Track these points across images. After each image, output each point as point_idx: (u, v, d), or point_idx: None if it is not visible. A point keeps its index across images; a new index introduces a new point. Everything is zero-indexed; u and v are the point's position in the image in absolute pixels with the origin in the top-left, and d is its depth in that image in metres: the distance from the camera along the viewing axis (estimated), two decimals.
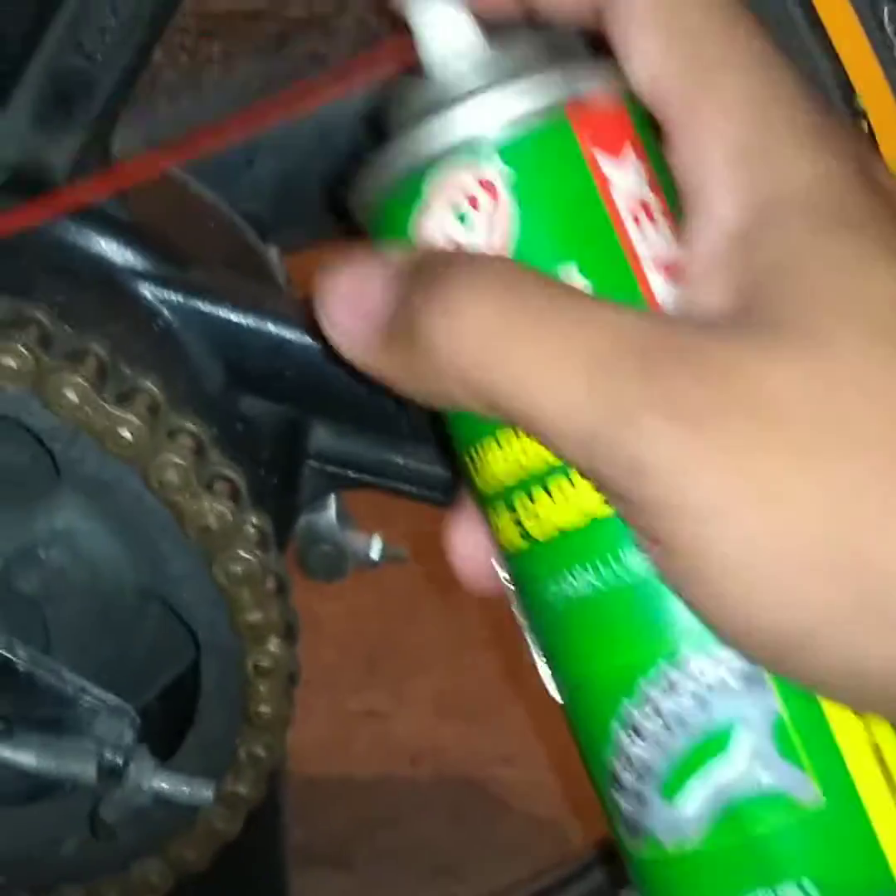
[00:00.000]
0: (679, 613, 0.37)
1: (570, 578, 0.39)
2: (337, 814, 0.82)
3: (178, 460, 0.61)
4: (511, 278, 0.38)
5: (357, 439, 0.72)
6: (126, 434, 0.61)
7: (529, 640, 0.42)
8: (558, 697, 0.42)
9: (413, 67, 0.44)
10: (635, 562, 0.38)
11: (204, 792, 0.64)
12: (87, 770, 0.63)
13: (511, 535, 0.40)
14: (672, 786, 0.38)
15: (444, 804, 1.30)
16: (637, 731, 0.38)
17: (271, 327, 0.69)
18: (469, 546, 0.44)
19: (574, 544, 0.38)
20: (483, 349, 0.37)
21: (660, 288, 0.39)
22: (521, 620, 0.42)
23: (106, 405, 0.61)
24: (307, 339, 0.69)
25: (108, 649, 0.67)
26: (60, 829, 0.69)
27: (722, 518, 0.34)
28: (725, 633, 0.36)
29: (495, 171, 0.40)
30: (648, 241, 0.39)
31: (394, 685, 1.44)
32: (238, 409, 0.70)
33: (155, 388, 0.62)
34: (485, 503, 0.41)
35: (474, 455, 0.41)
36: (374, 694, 1.42)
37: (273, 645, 0.64)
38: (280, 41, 0.81)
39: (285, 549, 0.77)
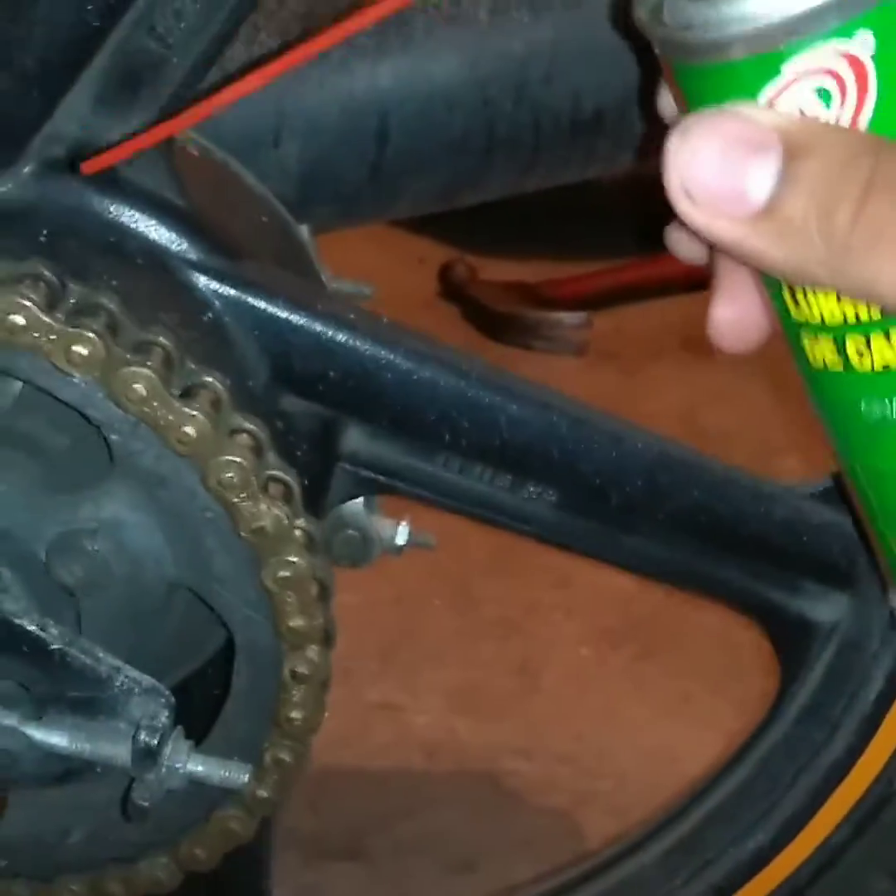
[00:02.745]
0: None
1: (892, 403, 0.46)
2: (352, 806, 0.83)
3: (238, 460, 0.62)
4: None
5: (392, 444, 0.72)
6: (190, 430, 0.61)
7: (823, 420, 0.50)
8: (847, 471, 0.51)
9: None
10: None
11: (240, 775, 0.64)
12: (121, 752, 0.63)
13: (828, 359, 0.46)
14: None
15: (460, 797, 1.31)
16: None
17: (320, 327, 0.69)
18: (731, 323, 0.50)
19: None
20: None
21: None
22: (815, 405, 0.50)
23: (172, 400, 0.61)
24: (355, 342, 0.69)
25: (133, 638, 0.68)
26: (81, 814, 0.69)
27: None
28: None
29: (862, 43, 0.39)
30: None
31: (410, 677, 1.42)
32: (279, 406, 0.70)
33: (219, 385, 0.63)
34: (797, 327, 0.46)
35: (797, 293, 0.45)
36: (390, 686, 1.40)
37: (312, 652, 0.65)
38: (305, 18, 0.81)
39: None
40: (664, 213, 0.47)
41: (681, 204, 0.41)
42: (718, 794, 0.82)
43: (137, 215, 0.67)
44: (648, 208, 0.56)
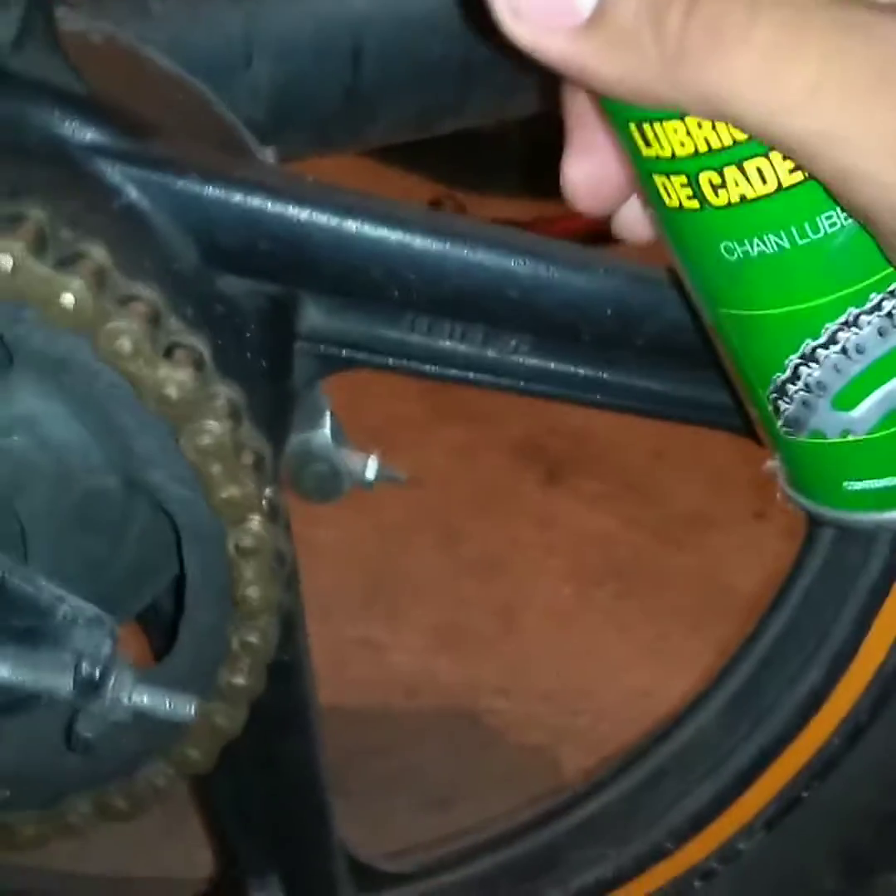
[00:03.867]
0: (872, 265, 0.35)
1: (753, 239, 0.36)
2: (330, 742, 0.66)
3: (130, 327, 0.45)
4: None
5: (347, 313, 0.55)
6: (68, 300, 0.44)
7: (681, 269, 0.40)
8: (710, 323, 0.41)
9: None
10: (829, 225, 0.35)
11: (185, 708, 0.50)
12: (63, 682, 0.49)
13: (682, 197, 0.36)
14: (845, 399, 0.38)
15: (439, 734, 1.11)
16: (815, 360, 0.37)
17: (239, 196, 0.52)
18: (586, 178, 0.41)
19: (761, 211, 0.35)
20: (750, 75, 0.30)
21: None
22: (674, 253, 0.39)
23: (47, 271, 0.44)
24: (281, 208, 0.53)
25: (95, 548, 0.52)
26: (41, 744, 0.52)
27: None
28: None
29: None
30: None
31: (391, 615, 1.23)
32: (216, 288, 0.53)
33: (102, 253, 0.46)
34: (648, 166, 0.37)
35: (644, 127, 0.35)
36: (370, 623, 1.21)
37: (255, 523, 0.47)
38: None
39: (284, 438, 0.59)
40: None
41: (506, 21, 0.31)
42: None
43: (29, 107, 0.51)
44: None
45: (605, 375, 0.56)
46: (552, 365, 0.56)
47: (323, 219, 0.53)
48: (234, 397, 0.47)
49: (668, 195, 0.37)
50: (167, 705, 0.48)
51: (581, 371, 0.56)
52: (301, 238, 0.52)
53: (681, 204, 0.36)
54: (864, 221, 0.33)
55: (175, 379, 0.45)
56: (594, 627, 1.24)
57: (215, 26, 0.61)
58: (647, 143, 0.36)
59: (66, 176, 0.51)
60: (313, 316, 0.56)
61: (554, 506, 1.37)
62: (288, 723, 0.64)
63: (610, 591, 1.29)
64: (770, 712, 0.61)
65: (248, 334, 0.54)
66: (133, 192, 0.52)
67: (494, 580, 1.28)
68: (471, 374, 0.57)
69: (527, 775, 1.06)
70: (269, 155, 0.62)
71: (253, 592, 0.48)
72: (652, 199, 0.38)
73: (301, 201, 0.53)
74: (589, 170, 0.40)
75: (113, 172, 0.52)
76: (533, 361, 0.56)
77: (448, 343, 0.56)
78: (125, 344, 0.44)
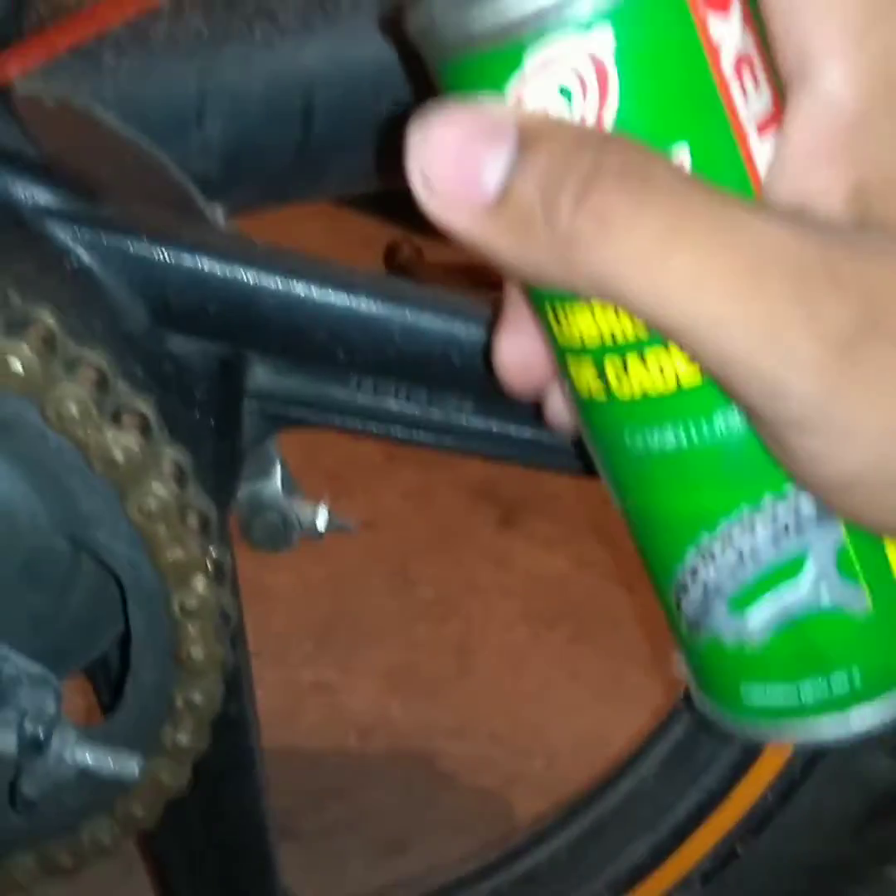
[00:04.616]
0: (765, 468, 0.35)
1: (654, 434, 0.36)
2: (284, 785, 0.66)
3: (76, 391, 0.45)
4: (677, 192, 0.31)
5: (295, 375, 0.57)
6: (16, 365, 0.45)
7: (593, 454, 0.39)
8: (620, 509, 0.40)
9: None
10: (724, 426, 0.35)
11: (129, 765, 0.50)
12: (6, 741, 0.49)
13: (591, 386, 0.36)
14: (739, 603, 0.37)
15: (392, 777, 1.11)
16: (712, 559, 0.37)
17: (190, 259, 0.54)
18: (517, 357, 0.40)
19: (662, 407, 0.35)
20: (635, 262, 0.31)
21: (762, 155, 0.33)
22: (586, 439, 0.39)
23: None
24: (230, 271, 0.54)
25: (42, 604, 0.52)
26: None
27: (854, 441, 0.31)
28: (815, 487, 0.34)
29: (601, 41, 0.32)
30: (751, 104, 0.33)
31: (344, 658, 1.23)
32: (165, 348, 0.54)
33: (50, 319, 0.47)
34: (563, 351, 0.37)
35: (558, 309, 0.36)
36: (323, 666, 1.21)
37: (199, 584, 0.48)
38: None
39: (232, 495, 0.60)
40: None
41: (420, 193, 0.33)
42: None
43: None
44: None
45: (545, 437, 0.57)
46: (494, 426, 0.57)
47: (271, 282, 0.54)
48: (181, 460, 0.48)
49: (579, 381, 0.37)
50: (111, 764, 0.48)
51: (524, 433, 0.57)
52: (249, 300, 0.54)
53: (590, 391, 0.37)
54: (747, 411, 0.34)
55: (121, 443, 0.46)
56: (547, 669, 1.25)
57: (168, 83, 0.62)
58: (559, 326, 0.36)
59: (17, 238, 0.52)
60: (261, 375, 0.57)
61: (509, 547, 1.39)
62: (232, 775, 0.64)
63: (563, 632, 1.30)
64: (706, 767, 0.62)
65: (196, 393, 0.55)
66: (84, 254, 0.53)
67: (448, 622, 1.28)
68: (416, 434, 0.58)
69: (480, 819, 1.06)
70: (218, 214, 0.64)
71: (197, 652, 0.49)
72: (565, 382, 0.38)
73: (250, 264, 0.54)
74: (519, 349, 0.40)
75: (64, 234, 0.53)
76: (476, 422, 0.57)
77: (394, 403, 0.57)
78: (72, 409, 0.45)
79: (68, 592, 0.52)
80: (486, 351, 0.54)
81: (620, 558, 1.37)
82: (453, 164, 0.32)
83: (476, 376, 0.55)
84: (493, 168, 0.32)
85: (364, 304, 0.54)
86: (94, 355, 0.47)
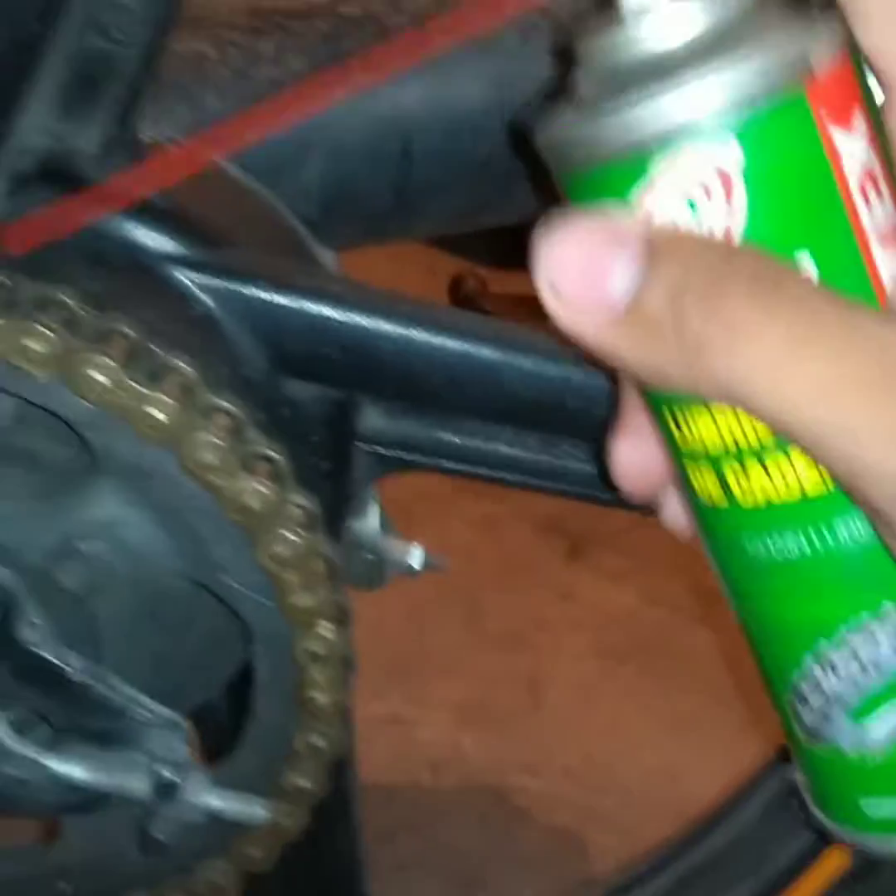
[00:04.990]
0: (887, 574, 0.35)
1: (774, 540, 0.35)
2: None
3: (213, 440, 0.47)
4: (806, 301, 0.32)
5: (407, 419, 0.57)
6: (158, 415, 0.46)
7: (709, 557, 0.39)
8: (735, 613, 0.39)
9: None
10: (848, 533, 0.35)
11: (257, 808, 0.50)
12: (139, 785, 0.49)
13: (711, 492, 0.36)
14: (861, 713, 0.36)
15: (466, 812, 1.11)
16: (832, 668, 0.36)
17: (310, 306, 0.54)
18: (634, 461, 0.40)
19: (783, 514, 0.35)
20: (765, 368, 0.31)
21: (885, 266, 0.34)
22: (703, 542, 0.38)
23: (136, 386, 0.46)
24: (349, 317, 0.55)
25: (162, 646, 0.53)
26: (113, 842, 0.53)
27: None
28: None
29: (729, 155, 0.32)
30: (875, 216, 0.34)
31: (417, 691, 1.20)
32: (283, 392, 0.55)
33: (187, 368, 0.48)
34: (682, 456, 0.37)
35: (678, 414, 0.36)
36: (396, 700, 1.22)
37: (325, 629, 0.49)
38: (332, 39, 0.65)
39: (340, 537, 0.61)
40: None
41: (548, 301, 0.34)
42: None
43: (111, 217, 0.53)
44: None
45: None
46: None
47: (388, 328, 0.55)
48: (309, 506, 0.49)
49: (699, 486, 0.37)
50: (239, 807, 0.49)
51: None
52: (367, 346, 0.54)
53: (710, 496, 0.36)
54: (874, 517, 0.34)
55: (255, 490, 0.46)
56: (618, 704, 1.25)
57: None
58: (679, 430, 0.36)
59: (146, 285, 0.53)
60: (373, 418, 0.57)
61: (576, 581, 1.39)
62: (335, 817, 0.65)
63: (633, 667, 1.30)
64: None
65: (310, 437, 0.56)
66: (207, 300, 0.54)
67: (518, 655, 1.29)
68: (526, 479, 0.58)
69: (554, 856, 1.06)
70: (329, 258, 0.64)
71: (322, 696, 0.49)
72: (684, 487, 0.38)
73: (367, 310, 0.55)
74: (637, 453, 0.40)
75: (187, 281, 0.54)
76: (589, 468, 0.57)
77: (504, 448, 0.57)
78: (209, 457, 0.46)
79: (185, 635, 0.53)
80: (602, 398, 0.55)
81: (689, 593, 1.37)
82: (581, 274, 0.33)
83: (589, 422, 0.56)
84: (620, 278, 0.33)
85: (480, 350, 0.55)
86: (228, 402, 0.48)
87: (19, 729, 0.50)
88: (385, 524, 0.64)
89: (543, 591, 1.36)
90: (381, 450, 0.58)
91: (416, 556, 0.65)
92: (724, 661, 1.25)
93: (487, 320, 0.57)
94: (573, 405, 0.55)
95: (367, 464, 0.59)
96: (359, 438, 0.58)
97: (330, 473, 0.57)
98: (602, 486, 0.58)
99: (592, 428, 0.56)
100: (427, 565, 0.65)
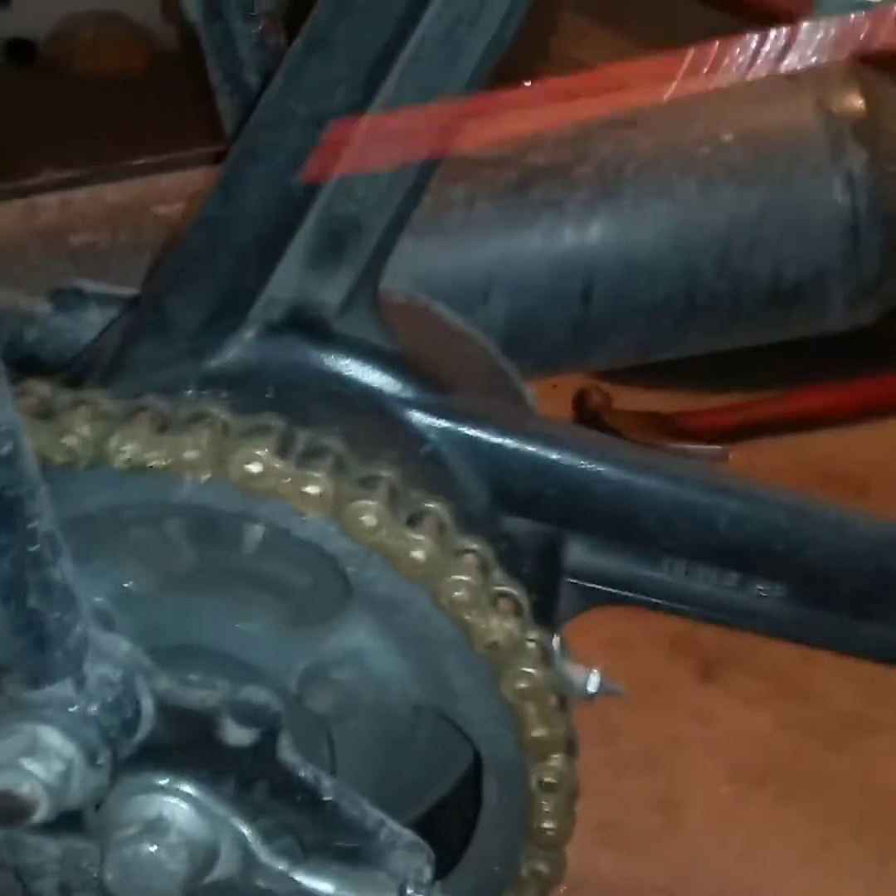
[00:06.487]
0: None
1: None
2: None
3: (467, 579, 0.50)
4: None
5: (614, 554, 0.60)
6: (419, 555, 0.50)
7: None
8: None
9: None
10: None
11: None
12: None
13: None
14: None
15: None
16: None
17: (531, 448, 0.58)
18: None
19: None
20: None
21: None
22: None
23: (400, 528, 0.50)
24: (566, 459, 0.58)
25: (387, 767, 0.56)
26: None
27: None
28: None
29: None
30: None
31: None
32: (502, 528, 0.59)
33: (443, 510, 0.52)
34: None
35: None
36: None
37: (557, 760, 0.51)
38: (520, 187, 0.70)
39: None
40: None
41: None
42: None
43: (352, 364, 0.58)
44: None
45: (856, 624, 0.59)
46: (805, 612, 0.60)
47: (607, 471, 0.58)
48: (545, 641, 0.52)
49: None
50: None
51: (833, 618, 0.59)
52: (586, 487, 0.58)
53: None
54: None
55: (504, 627, 0.50)
56: (754, 828, 1.24)
57: (459, 264, 0.68)
58: None
59: (384, 426, 0.57)
60: (579, 554, 0.60)
61: (710, 702, 1.39)
62: None
63: (770, 791, 1.29)
64: None
65: (523, 571, 0.59)
66: (436, 441, 0.58)
67: (653, 775, 1.29)
68: (725, 616, 0.61)
69: None
70: (529, 394, 0.68)
71: (550, 825, 0.52)
72: None
73: (587, 454, 0.58)
74: None
75: (420, 422, 0.58)
76: (786, 608, 0.60)
77: (703, 586, 0.60)
78: (463, 594, 0.50)
79: (410, 755, 0.56)
80: (806, 543, 0.58)
81: (824, 718, 1.36)
82: None
83: (795, 566, 0.58)
84: None
85: (693, 494, 0.58)
86: (475, 542, 0.52)
87: (269, 840, 0.53)
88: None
89: (677, 711, 1.37)
90: (587, 584, 0.61)
91: (593, 681, 0.67)
92: (860, 789, 1.24)
93: (695, 463, 0.60)
94: (780, 549, 0.58)
95: (572, 598, 0.62)
96: (566, 573, 0.61)
97: (539, 607, 0.60)
98: (798, 626, 0.60)
99: (796, 571, 0.59)
100: (604, 690, 0.68)
